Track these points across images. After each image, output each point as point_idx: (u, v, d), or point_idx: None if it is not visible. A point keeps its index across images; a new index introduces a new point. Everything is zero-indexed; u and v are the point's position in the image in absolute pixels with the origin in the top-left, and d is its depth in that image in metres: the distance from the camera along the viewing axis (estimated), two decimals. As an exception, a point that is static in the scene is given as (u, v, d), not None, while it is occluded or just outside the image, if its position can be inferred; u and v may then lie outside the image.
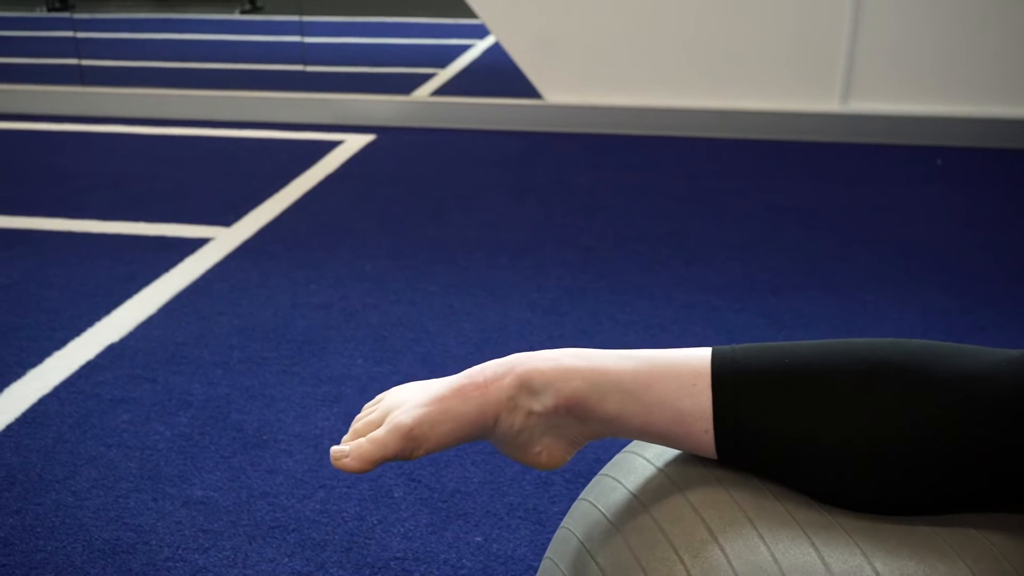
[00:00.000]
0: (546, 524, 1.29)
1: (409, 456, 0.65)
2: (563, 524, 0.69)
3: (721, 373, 0.62)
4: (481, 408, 0.64)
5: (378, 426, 0.67)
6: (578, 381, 0.64)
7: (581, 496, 0.69)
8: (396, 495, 1.35)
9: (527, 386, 0.64)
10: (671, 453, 0.67)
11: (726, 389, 0.62)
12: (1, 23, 6.52)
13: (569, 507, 1.33)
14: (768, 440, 0.61)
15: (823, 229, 2.40)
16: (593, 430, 0.66)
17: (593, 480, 0.70)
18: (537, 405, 0.64)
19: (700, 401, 0.62)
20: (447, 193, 2.73)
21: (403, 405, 0.67)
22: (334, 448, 0.66)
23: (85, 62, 4.78)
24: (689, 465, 0.65)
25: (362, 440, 0.65)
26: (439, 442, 0.65)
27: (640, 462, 0.68)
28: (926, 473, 0.59)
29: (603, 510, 0.65)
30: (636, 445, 0.70)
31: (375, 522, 1.29)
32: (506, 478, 1.38)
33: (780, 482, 0.62)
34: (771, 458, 0.61)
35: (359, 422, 0.69)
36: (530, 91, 3.65)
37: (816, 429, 0.60)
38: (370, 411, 0.70)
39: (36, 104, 3.79)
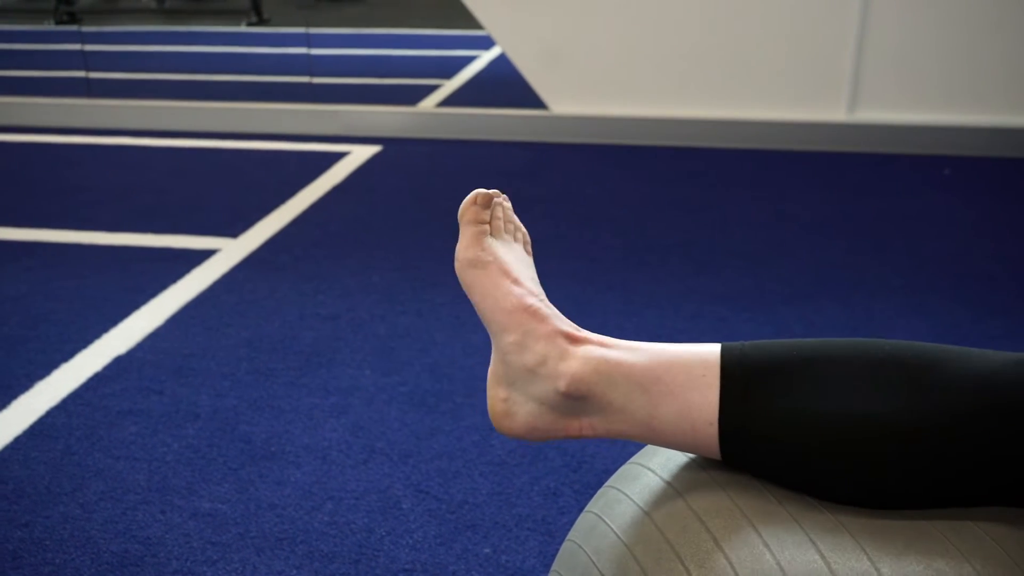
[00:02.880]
0: (555, 535, 1.29)
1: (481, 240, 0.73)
2: (569, 537, 0.69)
3: (730, 366, 0.62)
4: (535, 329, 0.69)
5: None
6: (588, 369, 0.64)
7: (587, 508, 0.70)
8: (404, 506, 1.35)
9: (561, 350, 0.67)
10: (675, 463, 0.67)
11: (734, 381, 0.62)
12: (10, 36, 6.56)
13: (578, 518, 1.32)
14: (773, 434, 0.61)
15: (831, 239, 2.40)
16: (590, 423, 0.66)
17: (599, 492, 0.70)
18: (549, 386, 0.66)
19: (707, 393, 0.62)
20: (453, 204, 2.74)
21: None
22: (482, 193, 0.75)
23: (93, 74, 4.80)
24: (693, 473, 0.65)
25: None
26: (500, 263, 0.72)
27: (645, 472, 0.67)
28: (932, 469, 0.58)
29: (609, 522, 0.65)
30: (641, 456, 0.70)
31: (383, 534, 1.29)
32: (514, 489, 1.38)
33: (782, 478, 0.62)
34: (775, 453, 0.61)
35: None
36: (536, 102, 3.66)
37: (821, 424, 0.60)
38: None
39: (44, 116, 3.81)
